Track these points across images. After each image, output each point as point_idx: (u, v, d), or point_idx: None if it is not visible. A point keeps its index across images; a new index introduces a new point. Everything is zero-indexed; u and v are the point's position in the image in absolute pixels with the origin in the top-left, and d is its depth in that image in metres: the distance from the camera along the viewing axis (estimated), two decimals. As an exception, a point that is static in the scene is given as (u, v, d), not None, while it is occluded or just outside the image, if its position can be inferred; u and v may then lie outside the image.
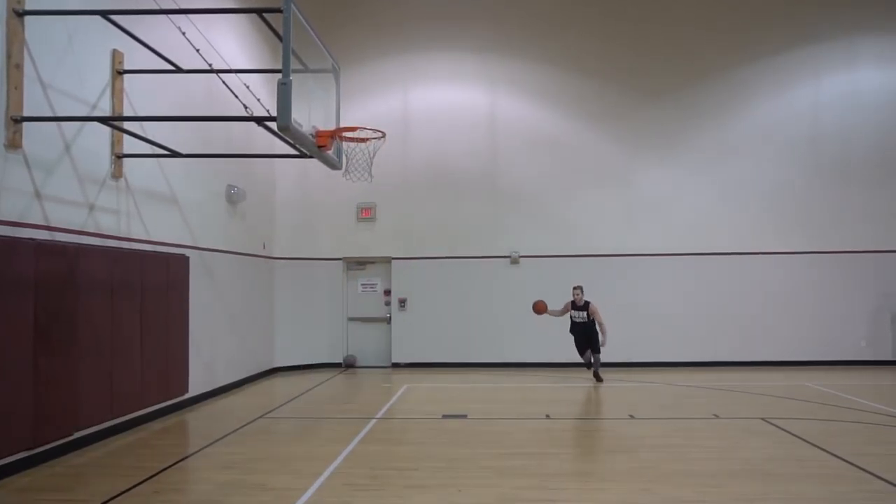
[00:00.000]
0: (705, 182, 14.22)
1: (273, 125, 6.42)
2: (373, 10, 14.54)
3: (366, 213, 14.44)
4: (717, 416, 8.78)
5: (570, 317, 12.09)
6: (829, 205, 14.06)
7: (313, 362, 14.03)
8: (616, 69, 14.34)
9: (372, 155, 7.87)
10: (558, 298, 14.23)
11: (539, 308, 11.93)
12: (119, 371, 7.72)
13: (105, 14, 7.12)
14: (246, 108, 7.81)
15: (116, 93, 7.94)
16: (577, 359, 14.03)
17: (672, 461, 6.56)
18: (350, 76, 12.47)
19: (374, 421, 8.71)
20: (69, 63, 7.16)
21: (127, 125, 7.90)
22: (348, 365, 14.27)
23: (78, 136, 7.28)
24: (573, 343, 12.28)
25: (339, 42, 13.24)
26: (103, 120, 7.52)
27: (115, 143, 7.96)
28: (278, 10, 6.16)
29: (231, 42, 11.31)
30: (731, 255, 14.06)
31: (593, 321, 11.83)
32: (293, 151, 8.24)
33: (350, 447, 7.23)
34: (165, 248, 9.07)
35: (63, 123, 7.04)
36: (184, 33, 8.07)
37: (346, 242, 14.47)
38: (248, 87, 8.85)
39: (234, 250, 11.53)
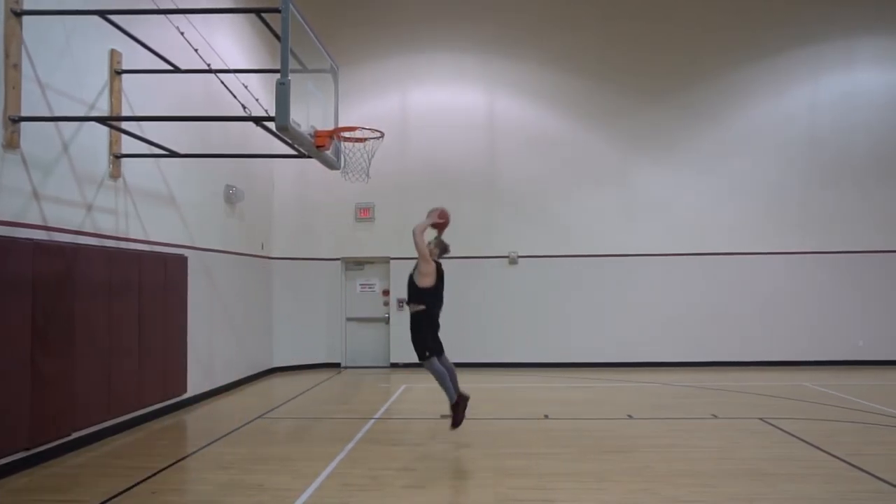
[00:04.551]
0: (704, 182, 14.23)
1: (271, 125, 6.41)
2: (371, 10, 14.52)
3: (364, 214, 14.44)
4: (715, 416, 8.78)
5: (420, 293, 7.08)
6: (827, 205, 14.07)
7: (312, 362, 14.03)
8: (615, 69, 14.34)
9: (370, 154, 7.86)
10: (557, 299, 14.29)
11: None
12: (117, 371, 7.71)
13: (103, 14, 7.10)
14: (244, 108, 7.80)
15: (114, 93, 7.93)
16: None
17: (670, 461, 6.56)
18: (348, 76, 12.44)
19: (372, 421, 8.71)
20: (67, 63, 7.15)
21: (125, 125, 7.89)
22: None
23: (76, 136, 7.27)
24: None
25: (337, 42, 13.22)
26: (101, 120, 7.50)
27: (113, 143, 7.95)
28: (277, 11, 6.15)
29: (229, 42, 11.30)
30: (730, 256, 14.07)
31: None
32: (292, 151, 8.24)
33: (348, 447, 7.23)
34: (163, 248, 9.06)
35: (61, 123, 7.03)
36: (182, 33, 8.06)
37: (344, 242, 14.47)
38: (246, 88, 8.84)
39: (233, 250, 11.52)
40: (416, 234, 6.98)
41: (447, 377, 7.05)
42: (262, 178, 13.14)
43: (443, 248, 7.27)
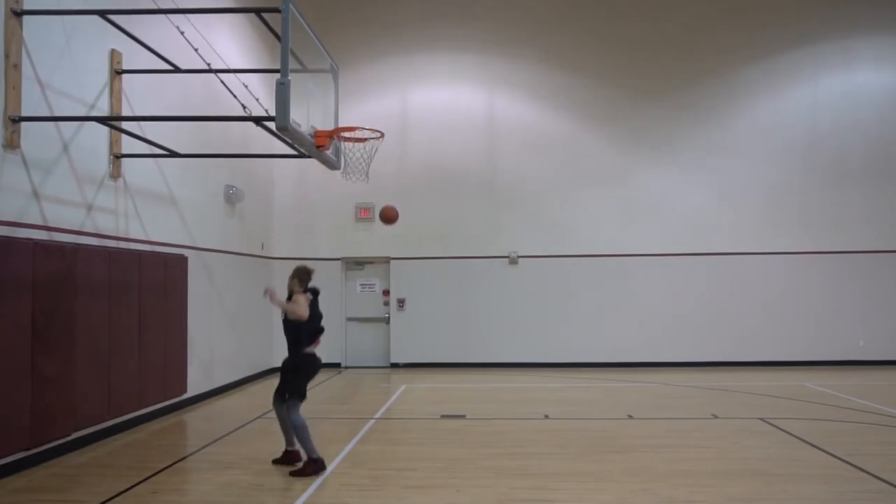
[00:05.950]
0: (703, 182, 14.23)
1: (271, 125, 6.41)
2: (371, 10, 14.52)
3: (364, 214, 14.43)
4: (715, 417, 8.78)
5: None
6: (826, 205, 14.07)
7: (312, 362, 14.00)
8: (614, 70, 14.34)
9: (370, 155, 7.86)
10: (557, 300, 14.29)
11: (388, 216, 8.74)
12: (117, 371, 7.70)
13: (103, 14, 7.11)
14: (244, 108, 7.80)
15: (115, 92, 7.93)
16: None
17: (670, 461, 6.56)
18: (348, 76, 12.46)
19: (372, 421, 8.71)
20: (67, 63, 7.15)
21: (125, 125, 7.89)
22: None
23: (76, 136, 7.27)
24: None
25: (337, 42, 13.23)
26: (101, 120, 7.51)
27: (113, 143, 7.95)
28: (277, 10, 6.16)
29: (229, 42, 11.30)
30: (729, 256, 14.06)
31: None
32: (292, 151, 8.24)
33: (349, 447, 7.23)
34: (164, 248, 9.06)
35: (61, 123, 7.03)
36: (182, 33, 8.06)
37: (344, 242, 14.47)
38: (246, 87, 8.84)
39: (233, 250, 11.52)
40: (298, 309, 6.06)
41: (309, 430, 6.30)
42: (263, 178, 13.15)
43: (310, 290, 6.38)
